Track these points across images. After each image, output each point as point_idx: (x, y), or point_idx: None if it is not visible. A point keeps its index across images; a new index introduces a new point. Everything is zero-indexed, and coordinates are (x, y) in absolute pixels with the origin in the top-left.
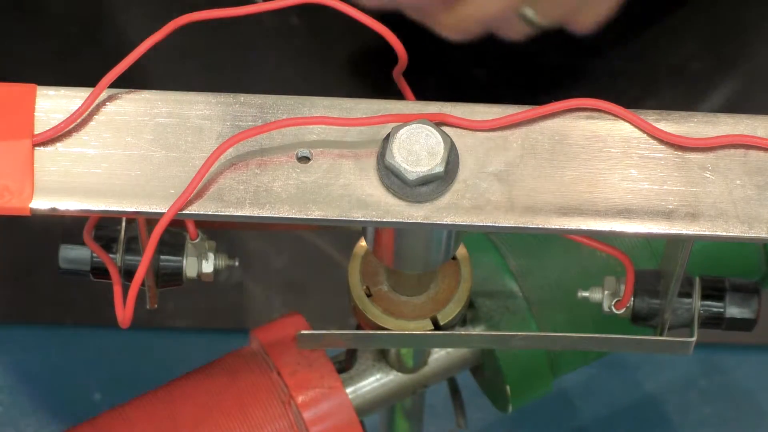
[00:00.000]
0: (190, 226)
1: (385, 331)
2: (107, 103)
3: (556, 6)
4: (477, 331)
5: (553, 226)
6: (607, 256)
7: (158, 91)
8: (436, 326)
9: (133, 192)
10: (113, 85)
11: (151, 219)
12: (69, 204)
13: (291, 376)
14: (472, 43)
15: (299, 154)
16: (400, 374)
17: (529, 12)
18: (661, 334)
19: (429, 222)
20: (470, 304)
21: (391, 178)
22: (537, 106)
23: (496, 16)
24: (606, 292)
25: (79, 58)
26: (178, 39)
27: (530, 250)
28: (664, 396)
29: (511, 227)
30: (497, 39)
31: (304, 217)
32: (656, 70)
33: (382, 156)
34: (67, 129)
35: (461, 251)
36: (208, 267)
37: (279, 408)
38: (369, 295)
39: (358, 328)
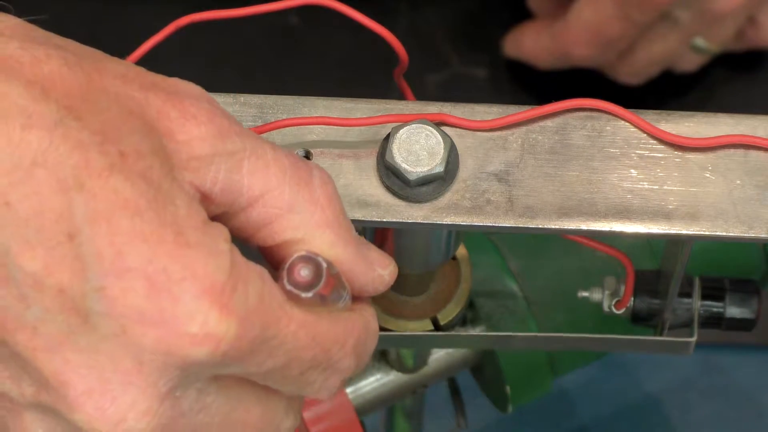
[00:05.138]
0: None
1: (385, 331)
2: None
3: (724, 29)
4: (477, 331)
5: (553, 226)
6: (607, 256)
7: None
8: (436, 326)
9: None
10: None
11: None
12: None
13: None
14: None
15: (299, 154)
16: (400, 374)
17: (700, 41)
18: (661, 334)
19: (429, 222)
20: (470, 304)
21: (391, 178)
22: (537, 106)
23: (669, 54)
24: (606, 292)
25: None
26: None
27: (530, 251)
28: (664, 396)
29: (511, 227)
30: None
31: None
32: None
33: (382, 156)
34: None
35: (461, 251)
36: None
37: None
38: None
39: None
